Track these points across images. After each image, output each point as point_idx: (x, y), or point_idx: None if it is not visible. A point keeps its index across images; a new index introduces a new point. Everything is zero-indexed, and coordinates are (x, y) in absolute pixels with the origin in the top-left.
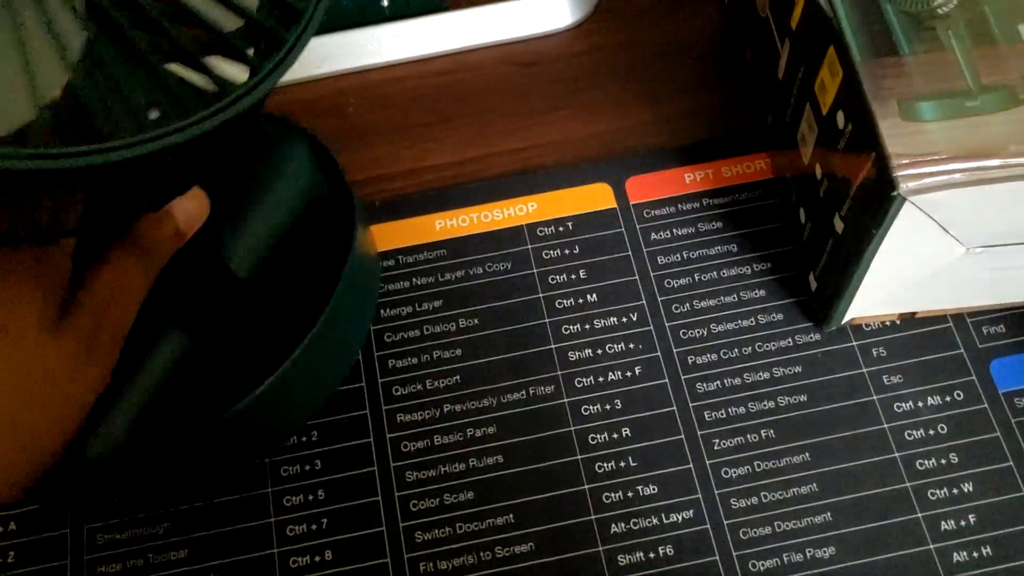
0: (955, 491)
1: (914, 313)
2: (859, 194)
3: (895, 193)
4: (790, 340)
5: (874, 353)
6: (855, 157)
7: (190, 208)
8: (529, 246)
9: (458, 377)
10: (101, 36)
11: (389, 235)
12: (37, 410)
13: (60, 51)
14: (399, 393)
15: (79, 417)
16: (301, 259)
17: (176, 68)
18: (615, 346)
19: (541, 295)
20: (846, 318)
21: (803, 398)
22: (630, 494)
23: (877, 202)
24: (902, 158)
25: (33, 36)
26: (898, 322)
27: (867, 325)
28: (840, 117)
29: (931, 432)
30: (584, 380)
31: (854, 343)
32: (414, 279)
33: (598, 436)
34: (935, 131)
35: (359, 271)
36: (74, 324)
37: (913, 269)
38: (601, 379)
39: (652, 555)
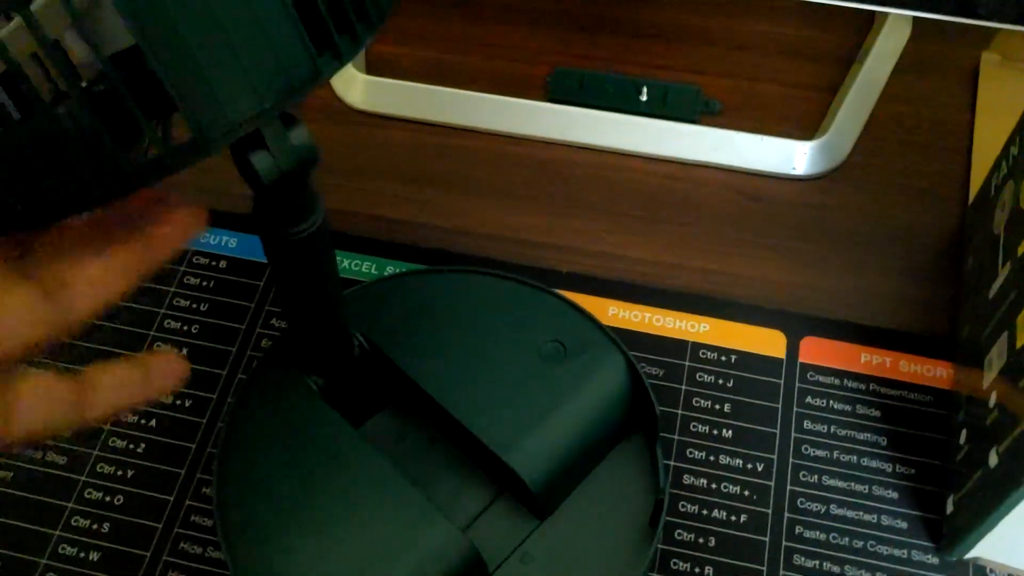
0: None
1: None
2: (1022, 435)
3: None
4: (906, 552)
5: None
6: None
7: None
8: (687, 362)
9: None
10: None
11: None
12: None
13: None
14: None
15: None
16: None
17: None
18: (731, 487)
19: (680, 411)
20: (972, 554)
21: None
22: None
23: None
24: None
25: None
26: None
27: (991, 571)
28: None
29: None
30: (689, 507)
31: None
32: None
33: (681, 563)
34: None
35: None
36: None
37: None
38: (705, 512)
39: None
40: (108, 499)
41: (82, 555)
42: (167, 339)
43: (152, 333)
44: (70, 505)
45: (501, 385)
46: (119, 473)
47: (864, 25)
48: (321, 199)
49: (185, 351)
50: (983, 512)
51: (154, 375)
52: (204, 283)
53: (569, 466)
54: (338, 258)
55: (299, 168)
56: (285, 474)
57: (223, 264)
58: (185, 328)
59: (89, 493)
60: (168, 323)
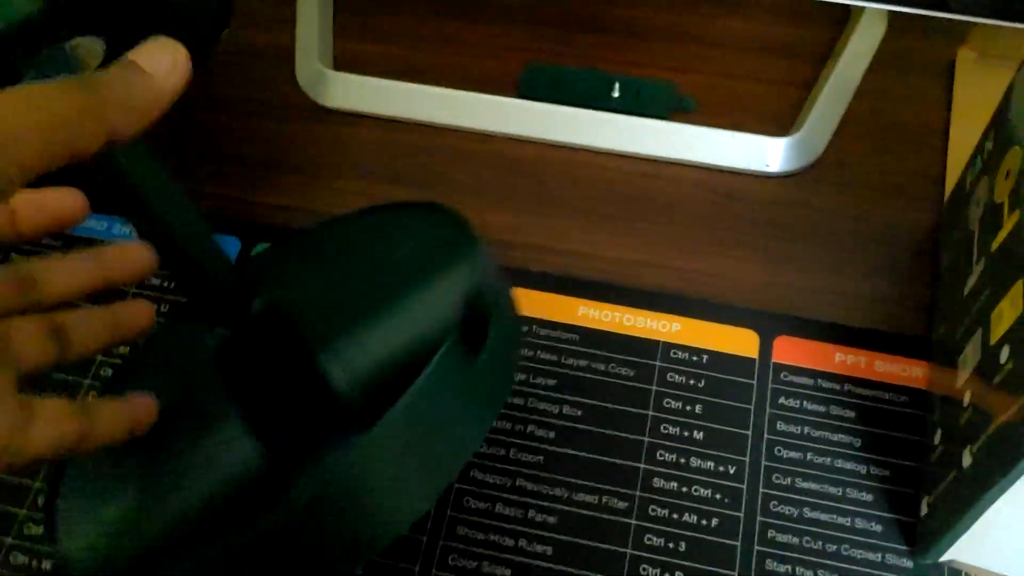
0: None
1: None
2: (996, 435)
3: None
4: (879, 556)
5: None
6: (1005, 396)
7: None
8: (658, 363)
9: (542, 457)
10: None
11: (532, 303)
12: None
13: None
14: (481, 449)
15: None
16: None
17: None
18: (702, 490)
19: (651, 413)
20: (946, 556)
21: None
22: None
23: (1010, 449)
24: None
25: None
26: None
27: (967, 575)
28: (1005, 351)
29: None
30: (659, 510)
31: None
32: (539, 352)
33: (650, 569)
34: None
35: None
36: None
37: None
38: (676, 516)
39: None
40: None
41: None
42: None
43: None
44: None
45: (345, 295)
46: None
47: (839, 21)
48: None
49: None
50: (957, 514)
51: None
52: (160, 307)
53: (388, 371)
54: None
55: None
56: None
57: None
58: None
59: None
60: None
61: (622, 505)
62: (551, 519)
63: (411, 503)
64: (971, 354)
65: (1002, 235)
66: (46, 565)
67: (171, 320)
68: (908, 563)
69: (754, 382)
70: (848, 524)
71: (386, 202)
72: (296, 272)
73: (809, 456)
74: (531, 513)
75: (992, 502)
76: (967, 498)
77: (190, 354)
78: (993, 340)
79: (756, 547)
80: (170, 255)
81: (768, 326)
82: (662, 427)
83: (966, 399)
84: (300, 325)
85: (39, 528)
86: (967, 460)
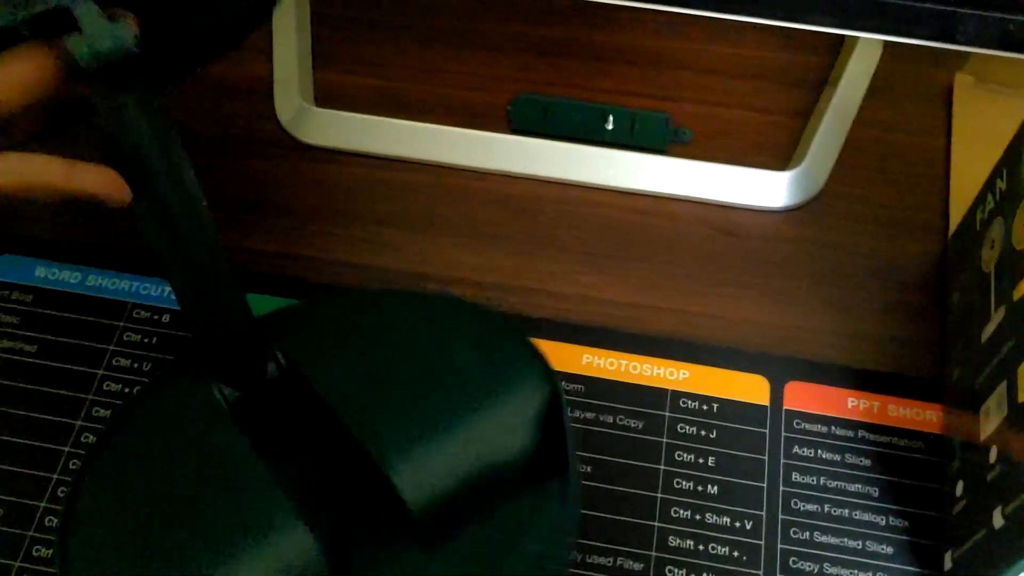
0: None
1: None
2: None
3: None
4: None
5: None
6: None
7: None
8: (667, 413)
9: None
10: None
11: None
12: None
13: None
14: None
15: None
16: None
17: None
18: (720, 548)
19: (662, 467)
20: None
21: None
22: None
23: None
24: None
25: None
26: None
27: None
28: None
29: None
30: (676, 570)
31: None
32: None
33: None
34: None
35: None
36: None
37: None
38: None
39: None
40: None
41: None
42: (107, 403)
43: (90, 397)
44: None
45: (403, 395)
46: None
47: (834, 46)
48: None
49: None
50: (990, 572)
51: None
52: (146, 339)
53: (460, 492)
54: None
55: (120, 58)
56: (157, 474)
57: (165, 318)
58: (127, 391)
59: None
60: (108, 385)
61: (638, 567)
62: None
63: None
64: (996, 407)
65: None
66: None
67: (171, 369)
68: None
69: (767, 431)
70: None
71: (429, 291)
72: (327, 345)
73: (827, 508)
74: None
75: None
76: (999, 560)
77: (201, 408)
78: (1022, 397)
79: None
80: (196, 298)
81: (778, 371)
82: (675, 482)
83: (992, 455)
84: (348, 416)
85: (48, 550)
86: (999, 521)
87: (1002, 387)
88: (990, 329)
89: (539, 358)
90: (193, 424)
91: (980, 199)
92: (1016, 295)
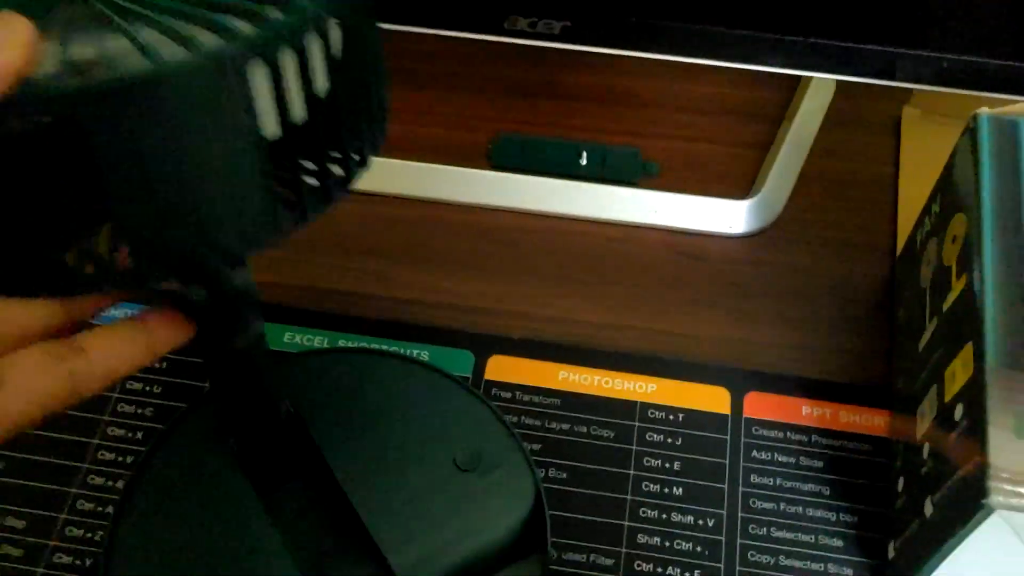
0: None
1: None
2: (954, 488)
3: (985, 502)
4: None
5: None
6: (961, 452)
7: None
8: (636, 423)
9: None
10: None
11: (513, 369)
12: None
13: None
14: None
15: None
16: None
17: None
18: (684, 544)
19: (632, 472)
20: None
21: None
22: None
23: (967, 503)
24: (1002, 471)
25: None
26: None
27: None
28: (958, 410)
29: None
30: (644, 565)
31: None
32: (523, 417)
33: None
34: None
35: None
36: None
37: None
38: (660, 570)
39: None
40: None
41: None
42: (101, 471)
43: (85, 466)
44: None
45: (408, 486)
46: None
47: (791, 84)
48: (259, 321)
49: (120, 483)
50: (921, 559)
51: (154, 336)
52: (139, 411)
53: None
54: (288, 333)
55: (237, 307)
56: (179, 535)
57: (157, 389)
58: (120, 459)
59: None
60: (102, 454)
61: (608, 562)
62: None
63: None
64: (928, 408)
65: (951, 297)
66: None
67: (185, 419)
68: None
69: (727, 437)
70: (821, 570)
71: (422, 363)
72: (332, 401)
73: (782, 506)
74: None
75: (953, 549)
76: (930, 545)
77: (215, 461)
78: (947, 398)
79: None
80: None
81: (738, 383)
82: (643, 485)
83: (925, 451)
84: (356, 500)
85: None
86: (929, 509)
87: (933, 390)
88: (925, 339)
89: (526, 458)
90: (209, 481)
91: (919, 222)
92: (945, 306)
